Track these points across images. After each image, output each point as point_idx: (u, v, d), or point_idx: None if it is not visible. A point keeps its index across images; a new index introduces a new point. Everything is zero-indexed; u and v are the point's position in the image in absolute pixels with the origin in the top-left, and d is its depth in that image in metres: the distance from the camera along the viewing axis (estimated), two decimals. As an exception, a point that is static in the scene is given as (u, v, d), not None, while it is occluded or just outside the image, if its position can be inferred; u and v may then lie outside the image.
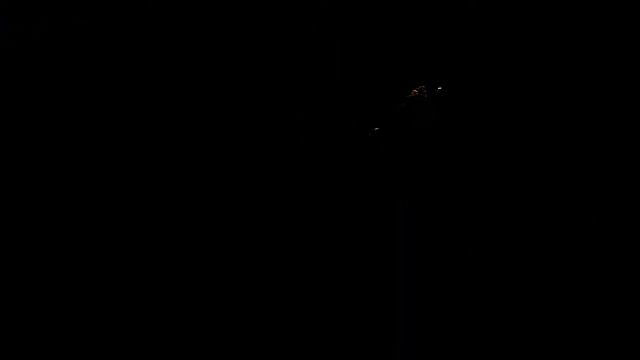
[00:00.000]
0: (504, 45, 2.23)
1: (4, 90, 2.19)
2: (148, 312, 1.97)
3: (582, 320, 1.93)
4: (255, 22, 2.28)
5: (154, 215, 2.09)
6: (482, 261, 2.02)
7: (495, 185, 2.11)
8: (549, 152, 2.13)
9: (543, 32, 2.23)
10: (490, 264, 2.01)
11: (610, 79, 2.17)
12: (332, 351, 1.94)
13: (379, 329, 1.96)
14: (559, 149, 2.13)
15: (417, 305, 1.98)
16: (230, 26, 2.28)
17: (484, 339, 1.94)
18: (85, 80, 2.22)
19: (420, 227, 2.07)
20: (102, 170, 2.13)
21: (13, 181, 2.10)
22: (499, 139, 2.16)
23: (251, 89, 2.25)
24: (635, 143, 2.10)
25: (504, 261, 2.01)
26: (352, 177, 2.14)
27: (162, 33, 2.26)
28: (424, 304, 1.99)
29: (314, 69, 2.27)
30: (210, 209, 2.11)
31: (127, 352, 1.93)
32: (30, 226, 2.05)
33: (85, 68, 2.22)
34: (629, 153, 2.09)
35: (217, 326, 1.97)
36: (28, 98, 2.19)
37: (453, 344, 1.95)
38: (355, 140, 2.20)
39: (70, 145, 2.15)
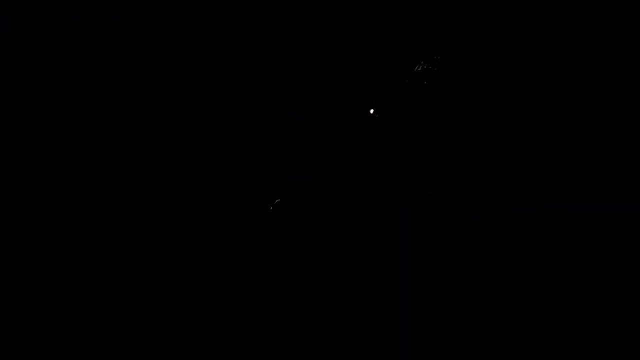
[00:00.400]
0: (503, 46, 2.23)
1: (4, 91, 2.19)
2: (148, 313, 1.97)
3: (582, 320, 1.93)
4: (255, 22, 2.28)
5: (153, 214, 2.09)
6: (482, 261, 2.02)
7: (495, 185, 2.11)
8: (548, 152, 2.13)
9: (542, 32, 2.23)
10: (490, 264, 2.01)
11: (610, 78, 2.17)
12: (332, 351, 1.94)
13: (379, 329, 1.96)
14: (559, 148, 2.13)
15: (417, 305, 1.98)
16: (230, 26, 2.28)
17: (484, 339, 1.94)
18: (86, 80, 2.22)
19: (420, 227, 2.07)
20: (102, 170, 2.13)
21: (13, 181, 2.10)
22: (499, 138, 2.16)
23: (251, 89, 2.25)
24: (635, 143, 2.10)
25: (504, 261, 2.01)
26: (352, 177, 2.14)
27: (162, 33, 2.26)
28: (424, 304, 1.98)
29: (314, 69, 2.27)
30: (210, 209, 2.12)
31: (127, 352, 1.93)
32: (30, 226, 2.05)
33: (85, 68, 2.22)
34: (629, 153, 2.09)
35: (216, 326, 1.97)
36: (28, 98, 2.19)
37: (453, 344, 1.95)
38: (355, 140, 2.20)
39: (70, 145, 2.15)
